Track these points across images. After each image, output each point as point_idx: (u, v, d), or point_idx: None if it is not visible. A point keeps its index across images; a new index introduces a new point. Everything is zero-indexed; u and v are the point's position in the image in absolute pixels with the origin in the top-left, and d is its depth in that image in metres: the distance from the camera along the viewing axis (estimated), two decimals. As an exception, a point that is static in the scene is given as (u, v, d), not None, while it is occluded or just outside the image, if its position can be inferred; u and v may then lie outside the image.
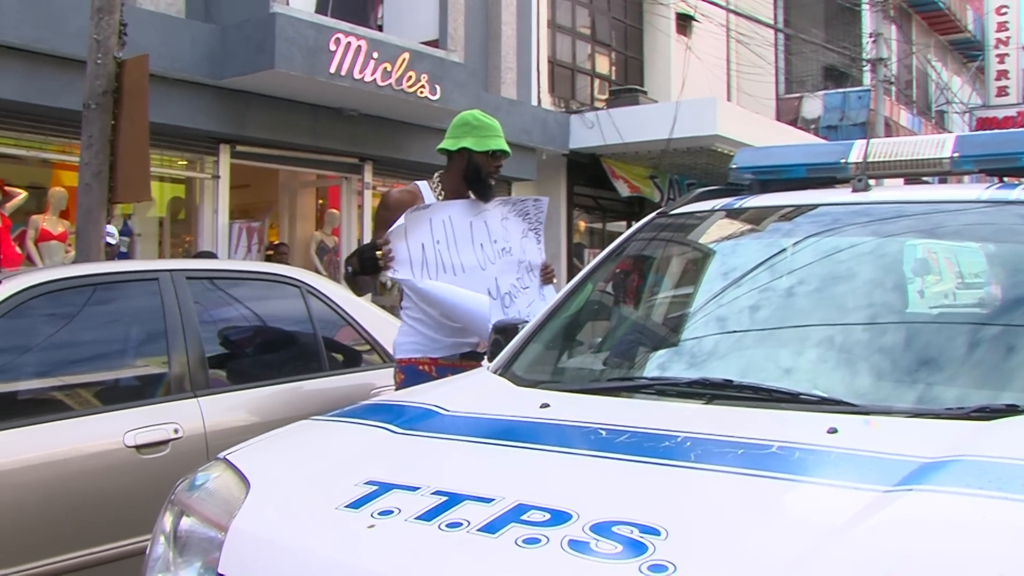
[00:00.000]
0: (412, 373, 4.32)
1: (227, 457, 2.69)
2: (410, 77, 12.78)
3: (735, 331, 3.16)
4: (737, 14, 22.01)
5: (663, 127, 17.04)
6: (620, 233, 20.31)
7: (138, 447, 4.03)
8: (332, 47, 11.72)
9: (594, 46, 20.75)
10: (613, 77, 21.18)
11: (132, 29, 7.36)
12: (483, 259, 4.38)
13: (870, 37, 25.90)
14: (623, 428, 2.45)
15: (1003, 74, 40.13)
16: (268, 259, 12.82)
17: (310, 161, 13.79)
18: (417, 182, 4.58)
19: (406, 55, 12.72)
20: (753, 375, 2.84)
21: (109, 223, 7.50)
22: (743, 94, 24.53)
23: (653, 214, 4.02)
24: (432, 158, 14.74)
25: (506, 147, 4.50)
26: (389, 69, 12.44)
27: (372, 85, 12.28)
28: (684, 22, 22.37)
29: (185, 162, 12.39)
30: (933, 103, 36.89)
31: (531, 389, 3.01)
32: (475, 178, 4.47)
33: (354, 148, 13.84)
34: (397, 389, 4.35)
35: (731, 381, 2.77)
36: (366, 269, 4.22)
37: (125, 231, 11.58)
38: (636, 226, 4.00)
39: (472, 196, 4.47)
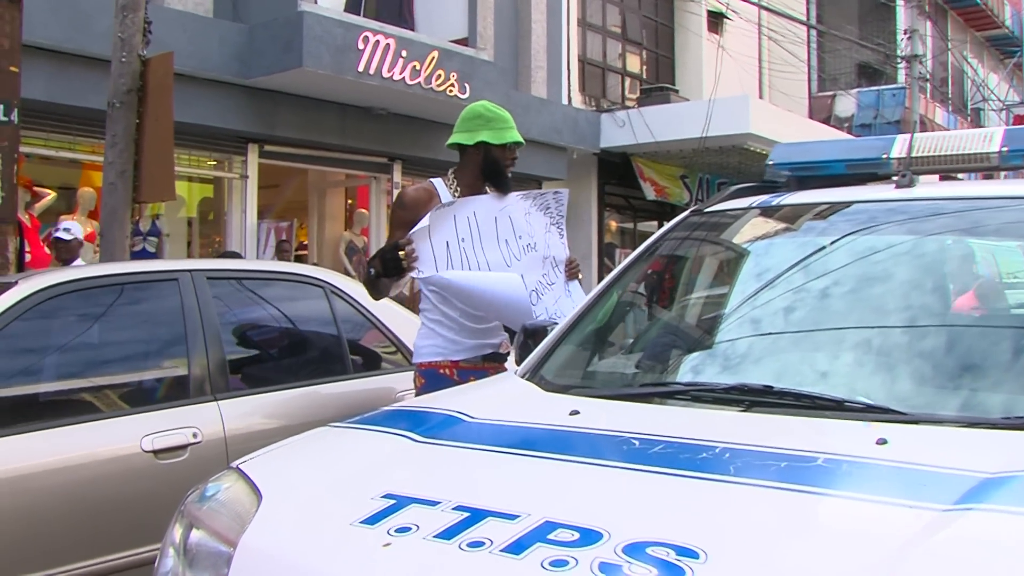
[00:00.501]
0: (433, 377, 4.22)
1: (240, 466, 2.57)
2: (439, 76, 12.65)
3: (773, 334, 3.01)
4: (770, 11, 21.73)
5: (695, 126, 16.85)
6: (651, 233, 20.17)
7: (156, 452, 3.92)
8: (360, 45, 11.61)
9: (625, 44, 20.56)
10: (644, 76, 20.97)
11: (159, 29, 7.28)
12: (508, 256, 4.25)
13: (905, 33, 25.53)
14: (657, 438, 2.31)
15: (1040, 70, 39.59)
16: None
17: (339, 161, 13.69)
18: (432, 180, 4.44)
19: (435, 53, 12.59)
20: (793, 380, 2.69)
21: (137, 222, 7.41)
22: (775, 92, 24.26)
23: (687, 212, 3.89)
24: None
25: (520, 138, 4.37)
26: (418, 68, 12.31)
27: (401, 84, 12.16)
28: (716, 20, 22.15)
29: (214, 162, 12.32)
30: (969, 100, 36.40)
31: (560, 395, 2.87)
32: (493, 172, 4.35)
33: (383, 147, 13.73)
34: (418, 394, 4.24)
35: (770, 387, 2.62)
36: (388, 271, 4.11)
37: (153, 231, 11.55)
38: (669, 225, 3.85)
39: (489, 191, 4.36)
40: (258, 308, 4.80)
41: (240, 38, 11.46)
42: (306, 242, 14.96)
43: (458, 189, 4.37)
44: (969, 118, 35.69)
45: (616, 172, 18.68)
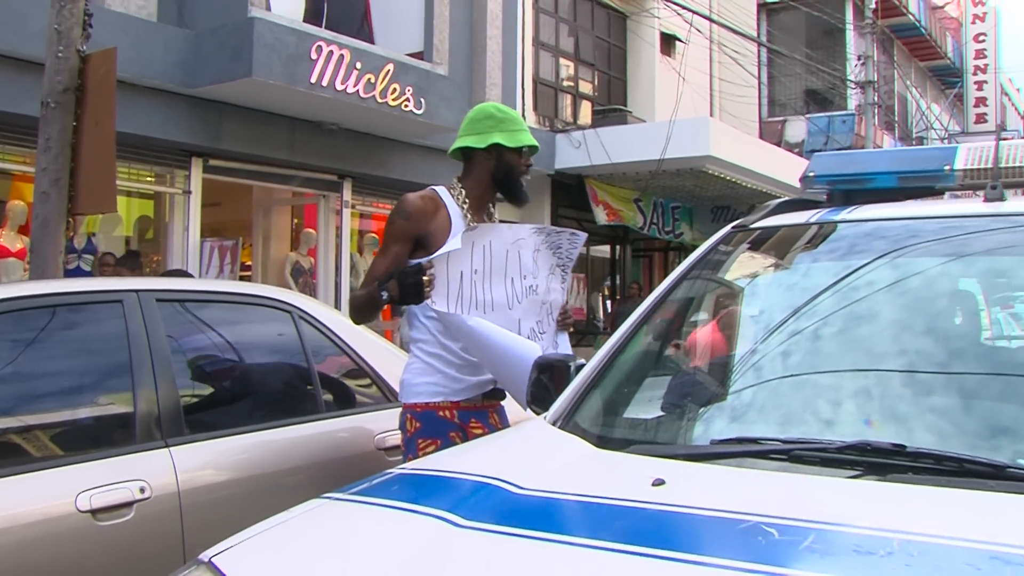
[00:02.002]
0: (431, 421, 3.70)
1: (212, 560, 1.92)
2: (394, 90, 12.06)
3: (878, 372, 2.43)
4: (725, 26, 21.40)
5: (651, 147, 16.39)
6: (604, 259, 19.69)
7: (95, 511, 3.21)
8: (313, 55, 10.98)
9: (577, 65, 20.14)
10: (596, 97, 20.54)
11: (99, 32, 6.60)
12: (511, 297, 3.73)
13: (859, 59, 25.40)
14: (793, 522, 1.71)
15: (981, 101, 40.07)
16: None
17: (287, 177, 13.02)
18: (435, 187, 3.88)
19: (390, 66, 12.01)
20: (927, 437, 2.11)
21: (71, 237, 6.69)
22: (726, 116, 23.93)
23: (728, 228, 3.33)
24: (415, 176, 14.06)
25: (536, 142, 3.88)
26: (373, 81, 11.71)
27: (355, 97, 11.54)
28: (668, 42, 21.83)
29: (154, 176, 11.57)
30: (913, 128, 36.55)
31: (621, 454, 2.27)
32: (507, 179, 3.86)
33: (333, 164, 13.10)
34: (411, 438, 3.70)
35: (902, 446, 2.04)
36: (407, 298, 3.55)
37: (89, 249, 10.82)
38: (711, 242, 3.29)
39: (495, 203, 3.97)
40: (216, 336, 4.11)
41: (186, 44, 10.77)
42: (249, 263, 14.22)
43: (465, 201, 3.84)
44: (914, 146, 35.74)
45: (570, 195, 18.14)
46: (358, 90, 11.55)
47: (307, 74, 10.93)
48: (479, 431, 3.70)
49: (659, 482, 1.98)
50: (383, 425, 4.23)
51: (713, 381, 2.73)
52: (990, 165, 3.24)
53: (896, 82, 33.33)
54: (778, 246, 3.18)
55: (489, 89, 16.32)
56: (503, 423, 3.85)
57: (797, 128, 28.71)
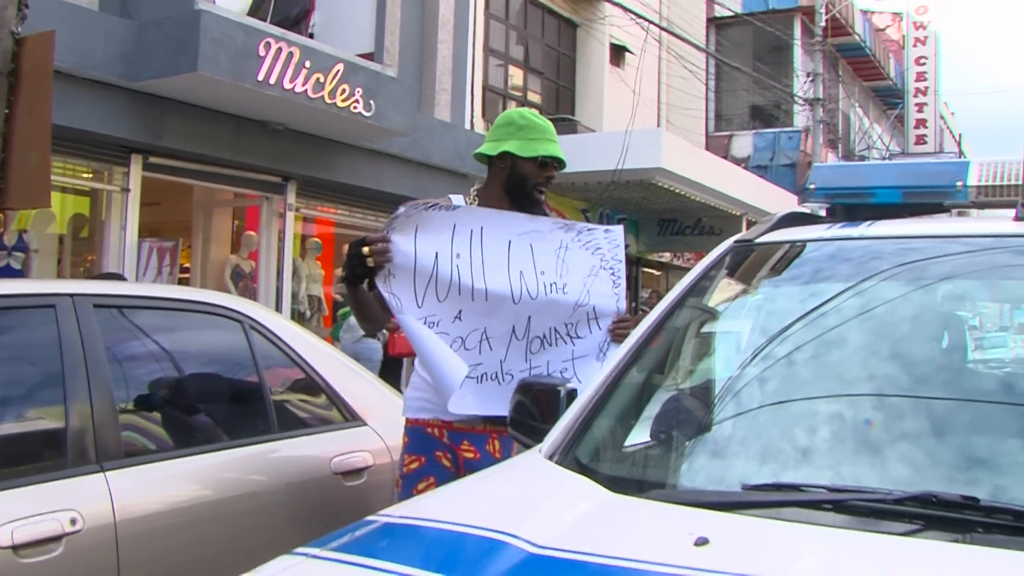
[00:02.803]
0: (418, 437, 3.58)
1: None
2: (343, 90, 11.67)
3: (931, 404, 2.15)
4: (679, 37, 21.28)
5: (601, 158, 16.13)
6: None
7: (17, 547, 2.81)
8: (261, 52, 10.55)
9: (527, 73, 19.88)
10: (544, 105, 20.28)
11: (34, 18, 6.17)
12: (519, 290, 3.44)
13: (807, 77, 25.43)
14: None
15: (921, 123, 40.32)
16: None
17: (229, 178, 12.55)
18: (451, 196, 3.69)
19: (340, 66, 11.61)
20: (1001, 487, 1.84)
21: (1, 234, 6.26)
22: (673, 128, 23.82)
23: (729, 243, 3.05)
24: (361, 180, 13.70)
25: (560, 154, 3.66)
26: (321, 80, 11.32)
27: (303, 96, 11.14)
28: (618, 53, 21.67)
29: (91, 172, 11.04)
30: (856, 147, 36.78)
31: (641, 500, 1.96)
32: (519, 191, 3.62)
33: (278, 165, 12.66)
34: (401, 454, 3.62)
35: (975, 499, 1.76)
36: (352, 276, 3.41)
37: (20, 246, 10.30)
38: (711, 259, 2.99)
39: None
40: (160, 347, 3.73)
41: (128, 36, 10.28)
42: (188, 265, 13.74)
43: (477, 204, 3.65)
44: (857, 165, 35.98)
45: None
46: (306, 90, 11.15)
47: (254, 71, 10.51)
48: (470, 455, 3.52)
49: (702, 541, 1.68)
50: (340, 447, 3.89)
51: (727, 411, 2.42)
52: (1016, 182, 3.03)
53: (841, 100, 33.48)
54: (787, 263, 2.90)
55: (439, 94, 15.99)
56: (504, 452, 3.55)
57: (743, 143, 28.74)
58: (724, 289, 2.91)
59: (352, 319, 12.48)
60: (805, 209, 3.45)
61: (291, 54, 10.89)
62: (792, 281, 2.79)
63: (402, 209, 3.42)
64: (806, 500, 1.90)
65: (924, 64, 39.95)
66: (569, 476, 2.16)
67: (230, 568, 3.43)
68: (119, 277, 9.00)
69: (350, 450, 3.90)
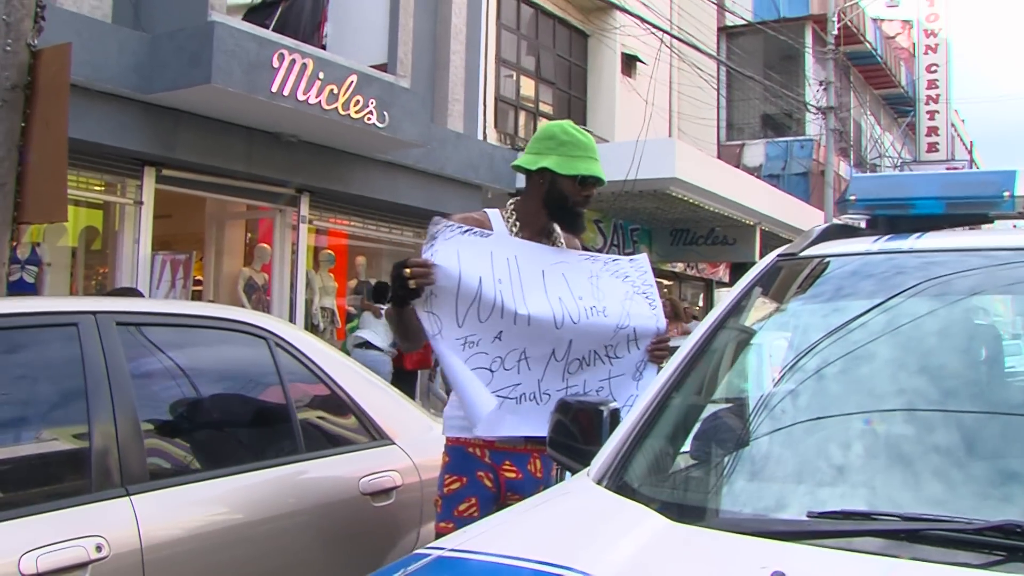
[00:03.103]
0: (460, 456, 3.50)
1: None
2: (357, 102, 11.60)
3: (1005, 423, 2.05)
4: (691, 45, 21.17)
5: (614, 167, 15.92)
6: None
7: (42, 575, 2.75)
8: (275, 64, 10.49)
9: (538, 83, 19.80)
10: (555, 115, 20.20)
11: (49, 32, 6.10)
12: (562, 314, 3.39)
13: (820, 85, 25.32)
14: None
15: (933, 130, 40.27)
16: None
17: (242, 190, 12.48)
18: (487, 209, 3.65)
19: (354, 77, 11.54)
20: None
21: (15, 247, 6.18)
22: (684, 137, 23.75)
23: (772, 257, 2.95)
24: (375, 192, 13.62)
25: (600, 173, 3.54)
26: (335, 92, 11.24)
27: (316, 108, 11.06)
28: (629, 63, 21.60)
29: (104, 185, 10.96)
30: (867, 156, 36.69)
31: (702, 530, 1.86)
32: (558, 207, 3.55)
33: (291, 177, 12.58)
34: (441, 474, 3.53)
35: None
36: (395, 296, 3.37)
37: (33, 259, 10.23)
38: (755, 274, 2.89)
39: (557, 232, 3.67)
40: (184, 366, 3.63)
41: (141, 48, 10.22)
42: (201, 277, 13.66)
43: (516, 223, 3.58)
44: (868, 173, 35.90)
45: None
46: (320, 101, 11.08)
47: (268, 83, 10.45)
48: (512, 475, 3.48)
49: (779, 576, 1.58)
50: (368, 466, 3.80)
51: (783, 433, 2.31)
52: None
53: (852, 109, 33.38)
54: (836, 278, 2.79)
55: (451, 105, 15.92)
56: (545, 472, 3.53)
57: (755, 152, 28.66)
58: (770, 305, 2.81)
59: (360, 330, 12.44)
60: (845, 221, 3.36)
61: (305, 65, 10.82)
62: (843, 297, 2.68)
63: (437, 228, 3.37)
64: (879, 530, 1.80)
65: (935, 72, 39.89)
66: (621, 502, 2.07)
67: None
68: (135, 292, 9.00)
69: (378, 470, 3.80)
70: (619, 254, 16.19)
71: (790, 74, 28.78)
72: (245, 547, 3.29)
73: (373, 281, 13.86)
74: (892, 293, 2.57)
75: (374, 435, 3.92)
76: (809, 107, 26.52)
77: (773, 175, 27.06)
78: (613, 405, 2.62)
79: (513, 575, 1.74)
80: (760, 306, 2.80)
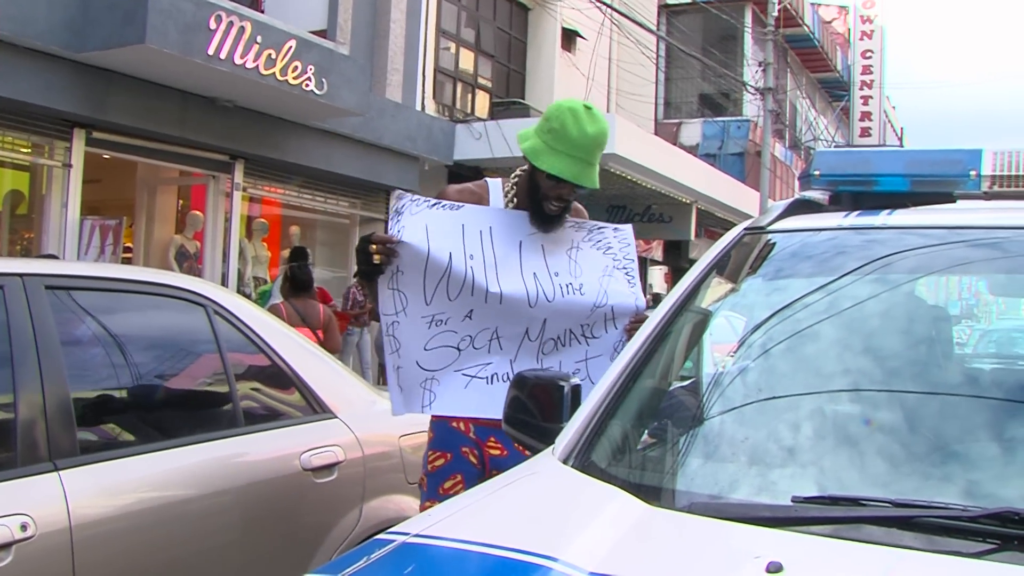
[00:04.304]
0: (443, 432, 3.40)
1: None
2: (295, 67, 11.34)
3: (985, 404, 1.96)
4: (631, 19, 21.11)
5: (555, 143, 15.88)
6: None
7: (-38, 555, 2.57)
8: (212, 25, 10.19)
9: (478, 55, 19.60)
10: (494, 89, 20.04)
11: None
12: (536, 292, 3.25)
13: (760, 66, 25.41)
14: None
15: (866, 115, 40.80)
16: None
17: (175, 155, 12.14)
18: (488, 179, 3.48)
19: (292, 43, 11.26)
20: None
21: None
22: (622, 114, 23.68)
23: (738, 232, 2.85)
24: (311, 160, 13.37)
25: (574, 176, 3.26)
26: (273, 57, 10.97)
27: (254, 73, 10.79)
28: (569, 38, 21.48)
29: (30, 147, 10.60)
30: (802, 138, 36.98)
31: (684, 515, 1.76)
32: (531, 198, 3.36)
33: (226, 144, 12.29)
34: (426, 451, 3.45)
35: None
36: (361, 272, 3.32)
37: (-44, 223, 9.89)
38: (720, 249, 2.79)
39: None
40: (117, 333, 3.44)
41: (73, 4, 9.83)
42: (131, 244, 13.33)
43: (514, 199, 3.42)
44: (803, 155, 36.23)
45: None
46: (257, 66, 10.80)
47: (204, 45, 10.14)
48: (496, 452, 3.35)
49: (776, 568, 1.47)
50: (309, 441, 3.65)
51: (759, 412, 2.20)
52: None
53: (789, 91, 33.60)
54: (808, 253, 2.70)
55: (390, 74, 15.69)
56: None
57: (692, 131, 28.70)
58: (739, 280, 2.71)
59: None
60: (812, 196, 3.27)
61: (242, 28, 10.54)
62: (815, 273, 2.58)
63: (402, 203, 3.25)
64: (870, 516, 1.70)
65: (870, 58, 40.42)
66: (594, 485, 1.95)
67: (194, 571, 3.19)
68: (54, 258, 8.68)
69: (320, 445, 3.66)
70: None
71: (728, 54, 28.85)
72: (181, 525, 3.13)
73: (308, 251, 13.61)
74: (869, 269, 2.48)
75: (316, 408, 3.77)
76: (748, 87, 26.59)
77: (710, 154, 27.10)
78: (574, 380, 2.49)
79: (490, 565, 1.61)
80: (727, 280, 2.70)
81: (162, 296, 3.55)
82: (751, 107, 28.68)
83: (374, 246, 3.15)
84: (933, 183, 3.12)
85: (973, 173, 3.06)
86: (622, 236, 3.52)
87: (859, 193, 3.19)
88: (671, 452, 2.14)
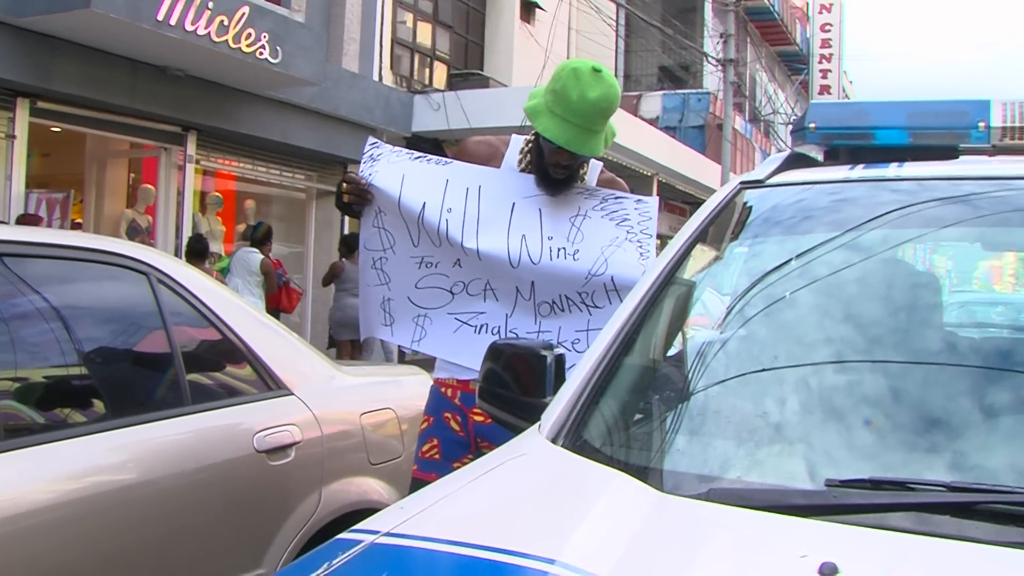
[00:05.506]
0: (432, 397, 3.36)
1: None
2: (249, 35, 11.01)
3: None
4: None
5: (513, 113, 15.54)
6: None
7: None
8: (161, -10, 9.83)
9: (435, 26, 19.25)
10: (452, 60, 19.73)
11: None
12: (519, 253, 3.10)
13: (721, 37, 25.22)
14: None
15: (825, 89, 40.87)
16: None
17: (125, 126, 11.76)
18: (515, 135, 3.32)
19: (245, 9, 10.92)
20: None
21: None
22: (584, 88, 23.48)
23: (734, 185, 2.60)
24: (266, 131, 13.02)
25: (570, 144, 3.04)
26: (226, 23, 10.63)
27: (205, 40, 10.44)
28: (528, 9, 21.21)
29: (-29, 117, 10.22)
30: (761, 111, 36.93)
31: (707, 504, 1.51)
32: (536, 162, 3.19)
33: (178, 114, 11.93)
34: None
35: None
36: (337, 206, 3.32)
37: None
38: (715, 204, 2.53)
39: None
40: (49, 303, 3.09)
41: (13, -34, 9.47)
42: (80, 219, 12.93)
43: (528, 156, 3.23)
44: (762, 128, 36.20)
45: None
46: (209, 32, 10.47)
47: (153, 10, 9.79)
48: (480, 419, 3.18)
49: (832, 570, 1.21)
50: (264, 420, 3.36)
51: (774, 383, 1.93)
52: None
53: (749, 64, 33.51)
54: (818, 206, 2.45)
55: (347, 43, 15.35)
56: None
57: (652, 104, 28.47)
58: (741, 237, 2.45)
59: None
60: (808, 151, 3.05)
61: (194, -7, 10.17)
62: (834, 227, 2.31)
63: (380, 150, 3.23)
64: (924, 503, 1.45)
65: (829, 31, 40.54)
66: (591, 467, 1.69)
67: (136, 566, 2.90)
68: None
69: (275, 424, 3.37)
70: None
71: (689, 26, 28.64)
72: (123, 514, 2.83)
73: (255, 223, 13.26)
74: (892, 221, 2.22)
75: (270, 384, 3.48)
76: (710, 58, 26.41)
77: (670, 127, 26.92)
78: (558, 350, 2.23)
79: (474, 571, 1.35)
80: (727, 237, 2.44)
81: (100, 264, 3.21)
82: (711, 80, 28.52)
83: (345, 184, 3.17)
84: (937, 136, 2.94)
85: (982, 125, 2.88)
86: (644, 209, 3.28)
87: (857, 148, 3.00)
88: (680, 429, 1.85)
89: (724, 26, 25.48)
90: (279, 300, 11.61)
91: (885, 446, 1.66)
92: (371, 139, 3.32)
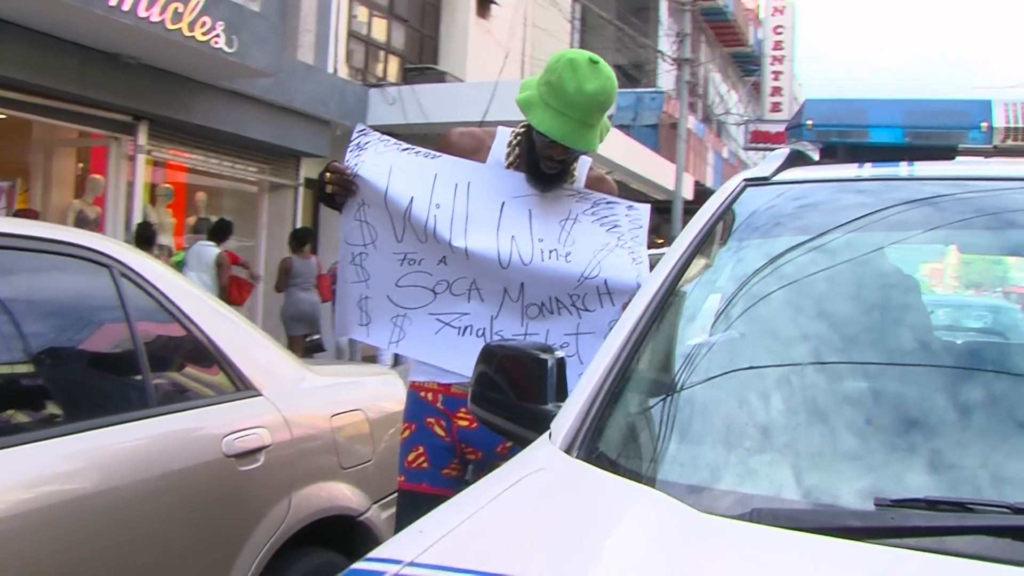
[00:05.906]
0: (411, 402, 3.22)
1: None
2: (203, 23, 10.83)
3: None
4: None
5: (471, 108, 15.52)
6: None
7: None
8: (113, -27, 9.59)
9: (391, 19, 19.07)
10: (407, 54, 19.57)
11: None
12: (508, 254, 2.98)
13: (677, 37, 25.24)
14: None
15: (777, 90, 41.37)
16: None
17: (74, 114, 11.50)
18: (501, 128, 3.23)
19: (202, -4, 10.69)
20: None
21: None
22: (539, 84, 23.43)
23: (739, 182, 2.47)
24: (219, 122, 12.78)
25: (566, 138, 2.90)
26: (180, 10, 10.44)
27: (159, 27, 10.24)
28: (484, 5, 21.11)
29: (-88, 103, 9.93)
30: (714, 111, 37.10)
31: (747, 525, 1.38)
32: (527, 156, 3.06)
33: (129, 103, 11.69)
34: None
35: None
36: (319, 198, 3.18)
37: None
38: (720, 202, 2.40)
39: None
40: (3, 298, 2.90)
41: (-43, -54, 9.20)
42: (30, 208, 12.62)
43: (516, 148, 3.12)
44: (715, 128, 36.36)
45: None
46: (163, 20, 10.27)
47: (106, -5, 9.55)
48: (465, 423, 3.09)
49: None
50: (232, 423, 3.19)
51: (806, 391, 1.79)
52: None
53: (704, 64, 33.63)
54: (830, 205, 2.33)
55: (302, 35, 15.19)
56: None
57: (607, 102, 28.44)
58: (750, 236, 2.32)
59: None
60: (805, 149, 2.96)
61: (147, -22, 9.95)
62: (852, 228, 2.18)
63: (367, 139, 3.11)
64: (989, 526, 1.32)
65: (781, 33, 41.02)
66: (618, 483, 1.55)
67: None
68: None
69: (244, 427, 3.19)
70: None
71: (643, 25, 28.63)
72: (83, 522, 2.64)
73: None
74: (913, 222, 2.10)
75: (238, 385, 3.31)
76: (666, 57, 26.42)
77: (623, 125, 26.82)
78: (559, 353, 2.09)
79: None
80: (735, 236, 2.31)
81: (57, 255, 3.00)
82: (666, 79, 28.53)
83: (329, 175, 3.04)
84: (937, 135, 2.87)
85: (984, 125, 2.82)
86: (635, 216, 3.17)
87: (854, 146, 2.92)
88: (712, 441, 1.70)
89: (680, 26, 25.52)
90: (229, 293, 11.44)
91: (936, 464, 1.53)
92: (359, 126, 3.21)
